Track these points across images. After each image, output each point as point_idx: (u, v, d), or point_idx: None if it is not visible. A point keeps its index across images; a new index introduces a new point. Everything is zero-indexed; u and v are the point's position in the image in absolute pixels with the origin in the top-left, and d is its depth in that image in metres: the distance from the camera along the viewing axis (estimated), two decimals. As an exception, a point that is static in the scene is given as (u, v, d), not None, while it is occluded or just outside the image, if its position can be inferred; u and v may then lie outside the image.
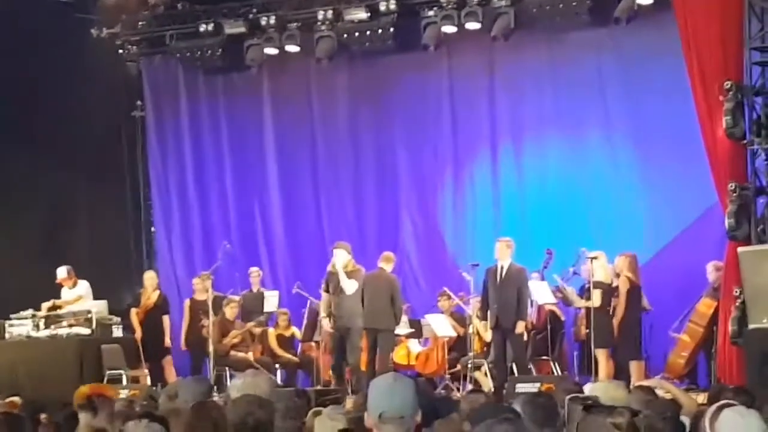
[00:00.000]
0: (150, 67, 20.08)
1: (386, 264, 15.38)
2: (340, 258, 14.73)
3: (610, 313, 14.70)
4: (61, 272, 16.08)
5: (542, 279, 15.59)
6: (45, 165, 17.67)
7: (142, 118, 20.09)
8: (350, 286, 14.53)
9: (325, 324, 15.56)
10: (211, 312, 15.86)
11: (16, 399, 11.25)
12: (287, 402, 8.23)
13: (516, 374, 14.31)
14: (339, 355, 14.90)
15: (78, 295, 16.01)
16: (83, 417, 7.06)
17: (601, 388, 6.79)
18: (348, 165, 19.29)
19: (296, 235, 19.46)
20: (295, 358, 17.28)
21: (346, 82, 19.30)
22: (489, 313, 14.76)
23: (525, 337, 15.04)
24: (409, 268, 18.76)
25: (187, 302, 17.37)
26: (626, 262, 14.63)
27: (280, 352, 17.26)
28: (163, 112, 20.13)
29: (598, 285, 14.66)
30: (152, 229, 20.18)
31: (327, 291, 15.08)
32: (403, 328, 16.77)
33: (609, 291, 14.78)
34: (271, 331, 17.47)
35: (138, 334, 16.64)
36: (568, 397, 6.77)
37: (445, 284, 17.02)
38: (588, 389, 8.06)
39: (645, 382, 9.95)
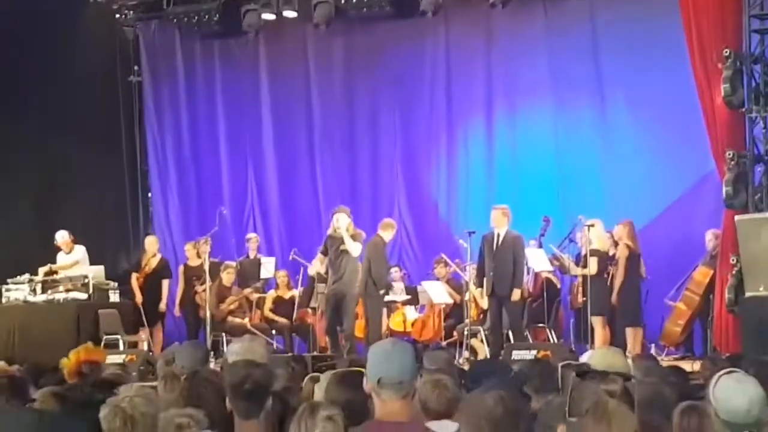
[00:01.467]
0: (147, 32, 20.02)
1: (384, 231, 15.30)
2: (343, 221, 14.58)
3: (607, 280, 14.72)
4: (60, 236, 16.05)
5: (539, 246, 15.60)
6: (41, 130, 17.61)
7: (139, 84, 20.04)
8: (355, 248, 14.37)
9: (320, 290, 15.46)
10: (207, 278, 15.85)
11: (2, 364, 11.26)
12: (285, 367, 8.26)
13: (512, 341, 14.32)
14: (333, 318, 14.78)
15: (75, 260, 16.00)
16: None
17: (599, 355, 6.76)
18: (343, 131, 19.29)
19: (291, 201, 19.47)
20: (287, 321, 17.21)
21: (343, 48, 19.26)
22: (485, 280, 14.75)
23: (521, 305, 15.03)
24: (405, 235, 18.78)
25: (180, 268, 17.37)
26: (625, 230, 14.64)
27: (272, 317, 17.23)
28: (160, 77, 20.09)
29: (594, 253, 14.68)
30: (149, 194, 20.16)
31: (324, 254, 14.93)
32: (399, 295, 16.80)
33: (605, 259, 14.80)
34: (270, 294, 17.46)
35: (138, 299, 16.65)
36: (561, 363, 6.78)
37: (440, 252, 17.03)
38: (586, 357, 8.07)
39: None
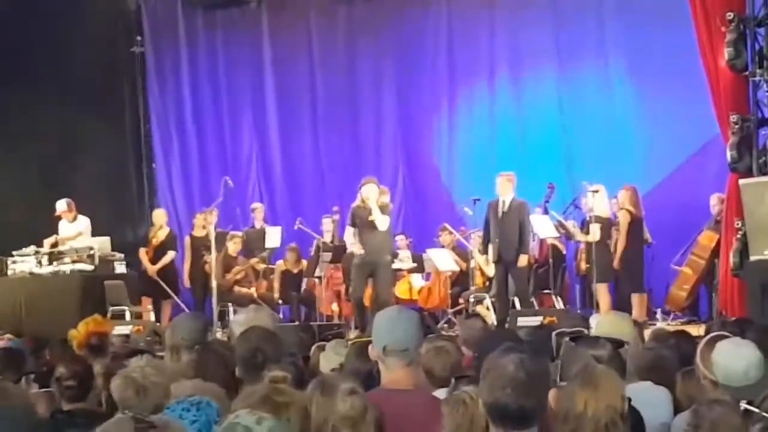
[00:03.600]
0: (149, 2, 19.96)
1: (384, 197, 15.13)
2: (372, 193, 14.30)
3: (611, 247, 14.72)
4: (61, 205, 16.01)
5: (544, 213, 15.59)
6: (44, 100, 17.56)
7: (142, 54, 20.00)
8: (383, 222, 14.09)
9: (356, 250, 15.00)
10: (213, 248, 15.86)
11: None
12: (292, 337, 8.30)
13: (518, 308, 14.32)
14: (362, 288, 14.46)
15: (78, 232, 15.98)
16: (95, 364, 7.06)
17: (605, 321, 6.79)
18: (346, 99, 19.28)
19: (295, 170, 19.47)
20: (295, 293, 17.25)
21: (346, 16, 19.24)
22: (491, 247, 14.68)
23: (527, 271, 14.97)
24: (408, 203, 18.79)
25: (187, 239, 17.38)
26: (627, 195, 14.62)
27: (285, 287, 17.23)
28: (163, 47, 20.05)
29: (597, 219, 14.66)
30: (153, 165, 20.15)
31: (353, 225, 14.56)
32: (405, 263, 16.81)
33: (608, 225, 14.78)
34: (279, 265, 17.45)
35: (151, 271, 16.68)
36: (555, 332, 6.81)
37: (443, 219, 17.04)
38: (593, 322, 8.09)
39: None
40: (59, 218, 16.09)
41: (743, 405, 3.88)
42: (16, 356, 7.64)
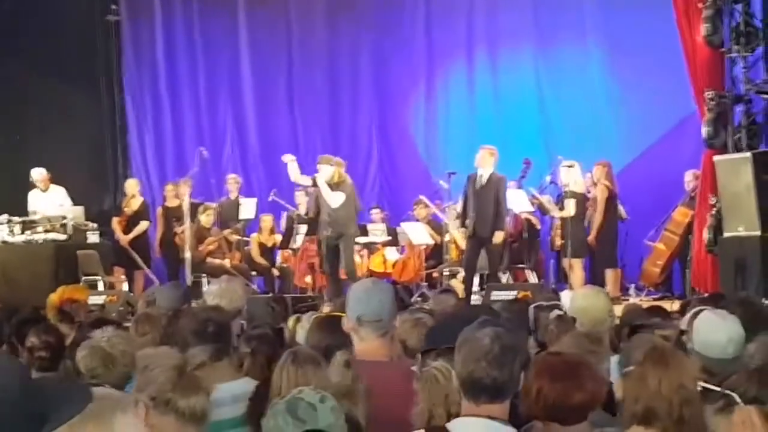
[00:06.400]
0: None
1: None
2: (323, 172, 14.36)
3: (585, 222, 14.75)
4: (38, 172, 15.91)
5: (519, 188, 15.57)
6: (17, 68, 17.47)
7: (117, 22, 19.81)
8: (335, 199, 14.13)
9: (300, 232, 15.24)
10: (187, 218, 15.79)
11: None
12: (264, 308, 8.28)
13: (485, 283, 14.22)
14: (333, 261, 14.50)
15: (59, 204, 15.86)
16: (63, 328, 7.02)
17: (580, 295, 6.78)
18: (323, 73, 19.24)
19: (271, 142, 19.38)
20: (269, 265, 17.24)
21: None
22: (468, 221, 14.60)
23: (501, 248, 14.84)
24: (384, 177, 18.78)
25: (159, 210, 17.31)
26: (603, 171, 14.66)
27: (258, 259, 17.25)
28: (138, 16, 19.88)
29: (572, 195, 14.68)
30: (126, 134, 20.02)
31: (317, 204, 14.65)
32: (379, 236, 16.79)
33: (583, 200, 14.80)
34: (254, 237, 17.44)
35: (124, 241, 16.63)
36: (533, 305, 6.81)
37: (418, 193, 17.02)
38: (566, 297, 8.09)
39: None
40: (32, 186, 15.94)
41: (701, 384, 3.87)
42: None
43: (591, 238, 14.63)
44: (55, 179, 16.05)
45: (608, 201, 14.58)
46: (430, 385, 4.09)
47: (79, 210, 15.85)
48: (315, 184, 14.37)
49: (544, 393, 3.81)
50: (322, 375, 4.42)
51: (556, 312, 6.37)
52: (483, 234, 14.19)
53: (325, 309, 10.28)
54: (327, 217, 14.16)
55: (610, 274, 14.50)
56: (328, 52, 19.17)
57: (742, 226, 12.33)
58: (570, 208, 14.62)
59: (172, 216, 16.70)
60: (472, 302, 12.76)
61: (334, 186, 14.11)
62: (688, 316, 5.55)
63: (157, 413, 4.02)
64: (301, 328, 6.93)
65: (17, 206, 15.75)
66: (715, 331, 5.24)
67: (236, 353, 5.51)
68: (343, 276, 14.53)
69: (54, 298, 7.97)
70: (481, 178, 14.28)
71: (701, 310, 5.46)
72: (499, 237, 14.18)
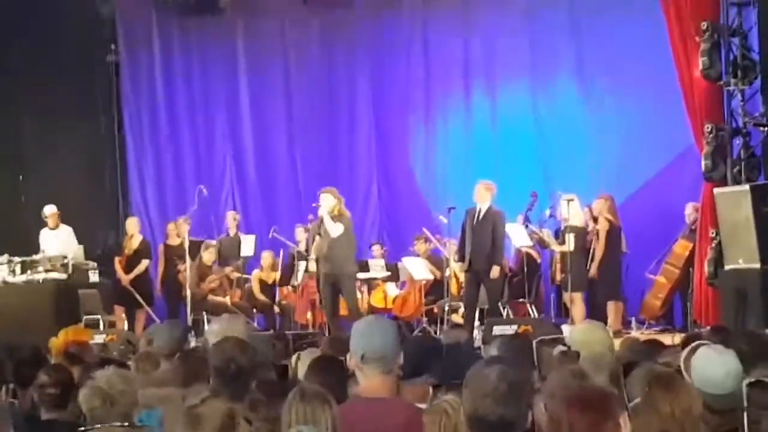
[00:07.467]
0: (123, 9, 19.80)
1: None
2: (326, 202, 14.42)
3: (586, 256, 14.73)
4: (49, 209, 15.96)
5: (526, 221, 15.55)
6: (18, 108, 17.53)
7: (116, 62, 19.86)
8: (334, 230, 14.14)
9: (313, 267, 15.17)
10: (188, 257, 15.80)
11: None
12: (266, 346, 8.25)
13: (485, 318, 14.19)
14: (332, 299, 14.51)
15: (67, 243, 15.90)
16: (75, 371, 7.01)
17: (580, 329, 6.77)
18: (321, 108, 19.30)
19: (270, 178, 19.43)
20: (270, 302, 17.24)
21: (321, 24, 19.22)
22: (466, 255, 14.61)
23: (500, 282, 14.81)
24: (383, 213, 18.80)
25: (161, 247, 17.34)
26: (606, 205, 14.69)
27: (259, 296, 17.24)
28: (137, 55, 19.91)
29: (571, 229, 14.68)
30: (126, 173, 20.02)
31: (319, 234, 14.74)
32: (379, 272, 16.78)
33: (583, 234, 14.81)
34: (255, 274, 17.43)
35: (125, 280, 16.63)
36: (536, 339, 6.79)
37: (418, 228, 17.03)
38: (566, 331, 8.07)
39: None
40: (43, 225, 15.96)
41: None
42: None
43: (593, 271, 14.63)
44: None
45: (610, 234, 14.59)
46: (439, 418, 4.08)
47: (79, 249, 15.87)
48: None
49: (573, 423, 3.78)
50: (330, 412, 4.41)
51: (559, 347, 6.36)
52: (480, 268, 14.21)
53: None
54: (326, 251, 14.17)
55: (612, 307, 14.49)
56: (326, 85, 19.24)
57: (743, 259, 12.33)
58: (570, 242, 14.63)
59: (174, 254, 16.73)
60: (474, 337, 12.72)
61: (335, 218, 14.17)
62: (684, 352, 5.55)
63: None
64: (301, 364, 6.91)
65: (18, 246, 15.76)
66: (712, 366, 5.24)
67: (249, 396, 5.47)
68: (343, 312, 14.54)
69: (59, 341, 7.95)
70: (479, 212, 14.33)
71: (698, 346, 5.47)
72: (495, 272, 14.18)
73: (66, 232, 16.02)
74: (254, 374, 5.46)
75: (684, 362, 5.46)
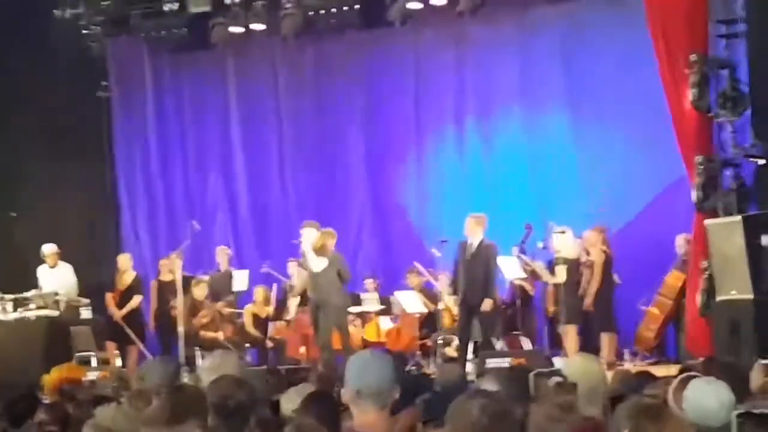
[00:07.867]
0: (114, 47, 19.83)
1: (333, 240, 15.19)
2: (308, 237, 14.58)
3: (581, 288, 14.72)
4: (48, 248, 15.98)
5: (522, 253, 15.52)
6: (8, 146, 17.53)
7: (108, 99, 19.91)
8: (317, 264, 14.33)
9: (293, 303, 15.43)
10: (180, 292, 15.79)
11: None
12: (259, 381, 8.22)
13: (479, 351, 14.20)
14: (323, 326, 14.59)
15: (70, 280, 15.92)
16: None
17: (574, 362, 6.76)
18: (313, 142, 19.31)
19: (262, 213, 19.43)
20: (263, 337, 17.22)
21: (312, 60, 19.27)
22: (459, 288, 14.65)
23: (493, 315, 14.82)
24: (376, 246, 18.79)
25: (153, 283, 17.33)
26: (600, 237, 14.69)
27: (252, 330, 17.21)
28: (129, 92, 19.99)
29: (563, 261, 14.68)
30: (118, 209, 20.03)
31: (304, 268, 14.89)
32: (372, 305, 16.78)
33: (575, 266, 14.80)
34: (248, 309, 17.42)
35: (118, 316, 16.61)
36: (533, 372, 6.78)
37: (411, 261, 17.02)
38: (559, 363, 8.06)
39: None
40: (41, 262, 15.94)
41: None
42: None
43: (588, 302, 14.61)
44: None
45: (605, 265, 14.60)
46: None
47: (74, 286, 15.88)
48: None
49: None
50: None
51: (555, 379, 6.34)
52: (473, 302, 14.26)
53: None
54: (311, 284, 14.32)
55: (605, 339, 14.47)
56: (318, 123, 19.24)
57: (735, 290, 12.35)
58: (562, 274, 14.62)
59: (167, 290, 16.71)
60: (467, 370, 12.71)
61: (318, 251, 14.28)
62: (673, 384, 5.55)
63: None
64: (284, 398, 6.88)
65: (10, 283, 15.74)
66: (707, 398, 5.24)
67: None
68: (337, 346, 14.57)
69: (52, 378, 7.93)
70: (471, 246, 14.37)
71: (688, 378, 5.48)
72: (488, 305, 14.23)
73: (65, 269, 16.03)
74: (252, 411, 5.44)
75: (673, 394, 5.46)
